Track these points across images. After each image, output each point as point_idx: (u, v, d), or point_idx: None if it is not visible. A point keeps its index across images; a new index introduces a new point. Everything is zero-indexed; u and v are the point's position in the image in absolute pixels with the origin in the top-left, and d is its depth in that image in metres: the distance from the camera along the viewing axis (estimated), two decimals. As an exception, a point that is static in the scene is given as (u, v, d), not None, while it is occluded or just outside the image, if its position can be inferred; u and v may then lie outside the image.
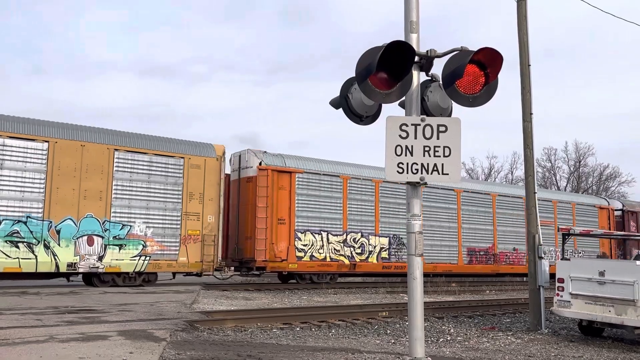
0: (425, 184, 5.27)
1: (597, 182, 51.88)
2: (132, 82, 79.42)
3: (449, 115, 5.78)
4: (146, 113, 75.56)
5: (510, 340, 10.60)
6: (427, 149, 5.08)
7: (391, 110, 5.94)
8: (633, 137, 76.91)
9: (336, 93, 5.95)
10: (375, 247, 21.88)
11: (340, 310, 12.89)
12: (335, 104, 5.99)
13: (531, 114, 12.48)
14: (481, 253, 25.23)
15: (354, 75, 5.42)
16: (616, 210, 31.40)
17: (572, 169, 51.30)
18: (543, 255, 11.98)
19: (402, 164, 5.08)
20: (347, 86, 5.72)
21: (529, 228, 12.31)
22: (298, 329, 10.94)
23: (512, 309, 14.93)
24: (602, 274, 10.37)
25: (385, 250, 22.21)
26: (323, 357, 7.97)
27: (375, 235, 21.93)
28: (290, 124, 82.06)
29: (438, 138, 5.09)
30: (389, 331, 11.15)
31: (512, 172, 53.95)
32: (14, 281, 16.65)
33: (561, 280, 10.98)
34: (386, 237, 22.22)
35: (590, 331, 11.26)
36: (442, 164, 5.09)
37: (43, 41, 78.95)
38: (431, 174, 5.11)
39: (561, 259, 11.37)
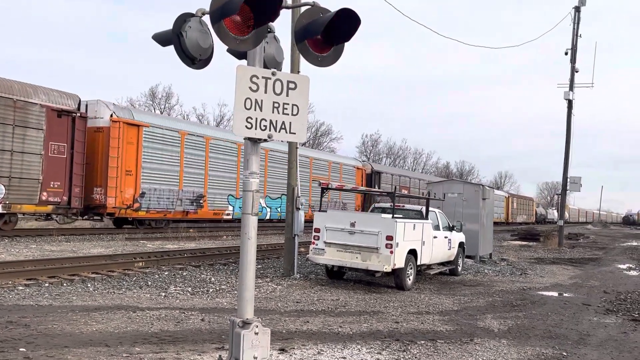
0: (266, 141, 5.01)
1: (314, 137, 57.33)
2: None
3: (280, 70, 5.60)
4: None
5: (272, 286, 11.15)
6: (276, 105, 4.87)
7: (221, 57, 5.55)
8: (348, 97, 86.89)
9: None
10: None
11: (92, 262, 11.73)
12: (162, 40, 5.26)
13: (298, 72, 12.98)
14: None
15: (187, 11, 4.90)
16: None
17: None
18: (300, 207, 12.77)
19: (251, 118, 4.77)
20: (180, 23, 5.07)
21: (289, 181, 12.96)
22: (47, 284, 9.60)
23: (259, 255, 15.67)
24: (353, 224, 11.56)
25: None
26: (102, 318, 7.18)
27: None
28: None
29: (287, 95, 4.91)
30: (150, 283, 10.62)
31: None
32: None
33: (317, 230, 11.89)
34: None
35: (335, 275, 12.57)
36: (290, 123, 4.95)
37: None
38: (279, 132, 4.93)
39: (319, 211, 12.25)
